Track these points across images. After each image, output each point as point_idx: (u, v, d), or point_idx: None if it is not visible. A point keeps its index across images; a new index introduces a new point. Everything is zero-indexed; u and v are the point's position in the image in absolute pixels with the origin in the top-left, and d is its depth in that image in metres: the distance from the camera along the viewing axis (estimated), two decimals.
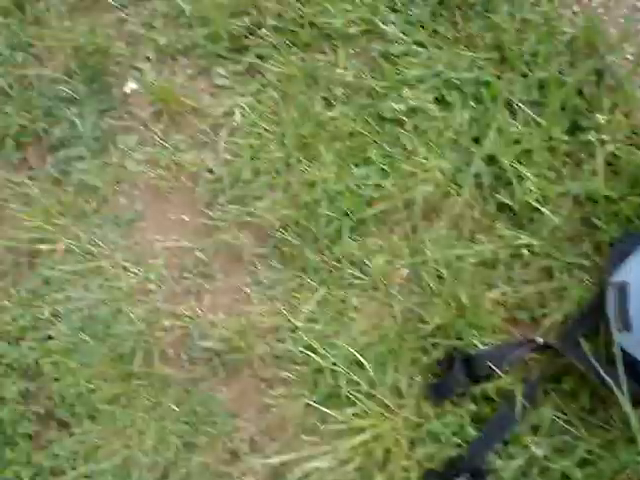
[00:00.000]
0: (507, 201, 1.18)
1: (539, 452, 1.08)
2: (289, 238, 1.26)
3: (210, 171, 1.35)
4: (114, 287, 1.36)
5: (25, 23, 1.52)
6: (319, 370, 1.20)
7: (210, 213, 1.34)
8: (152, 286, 1.35)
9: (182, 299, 1.33)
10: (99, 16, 1.49)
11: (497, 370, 1.10)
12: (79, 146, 1.45)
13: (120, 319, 1.34)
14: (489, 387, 1.12)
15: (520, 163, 1.17)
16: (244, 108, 1.34)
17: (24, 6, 1.53)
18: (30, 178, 1.45)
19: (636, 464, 1.04)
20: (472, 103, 1.21)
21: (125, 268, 1.37)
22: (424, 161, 1.21)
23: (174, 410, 1.28)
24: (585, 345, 1.08)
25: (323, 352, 1.19)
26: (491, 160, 1.19)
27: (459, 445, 1.13)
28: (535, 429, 1.11)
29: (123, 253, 1.38)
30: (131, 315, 1.33)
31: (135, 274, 1.36)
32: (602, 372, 0.91)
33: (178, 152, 1.39)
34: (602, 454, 1.07)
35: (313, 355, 1.20)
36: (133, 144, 1.41)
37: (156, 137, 1.40)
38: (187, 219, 1.38)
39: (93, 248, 1.38)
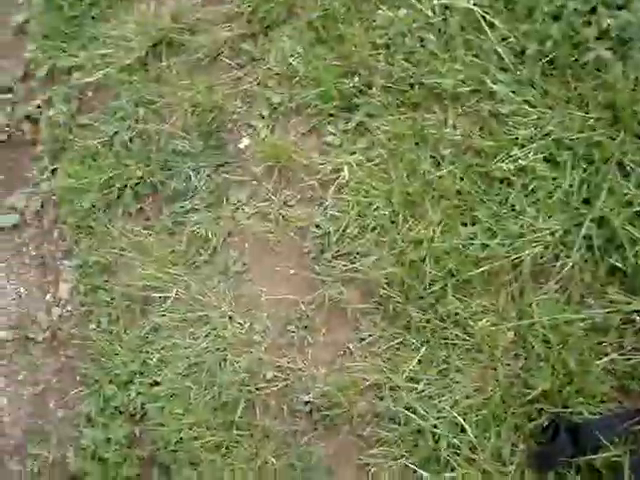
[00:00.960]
0: (619, 264, 1.16)
1: None
2: (393, 295, 1.28)
3: (317, 226, 1.40)
4: (220, 336, 1.42)
5: (147, 80, 1.63)
6: (419, 431, 1.22)
7: (316, 267, 1.39)
8: (256, 337, 1.40)
9: (285, 351, 1.37)
10: (217, 75, 1.58)
11: (604, 440, 1.06)
12: (194, 198, 1.52)
13: (224, 368, 1.40)
14: (596, 458, 1.09)
15: (633, 225, 1.15)
16: (352, 165, 1.38)
17: (147, 64, 1.64)
18: (146, 228, 1.54)
19: None
20: (583, 164, 1.20)
21: (231, 318, 1.43)
22: (533, 222, 1.20)
23: (273, 463, 1.31)
24: None
25: (424, 413, 1.20)
26: (602, 222, 1.18)
27: None
28: None
29: (230, 303, 1.44)
30: (235, 365, 1.39)
31: (240, 325, 1.42)
32: None
33: (287, 207, 1.44)
34: None
35: (413, 415, 1.20)
36: (245, 198, 1.47)
37: (267, 192, 1.46)
38: (293, 272, 1.42)
39: (202, 297, 1.44)
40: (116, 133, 1.63)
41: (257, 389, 1.36)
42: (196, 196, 1.54)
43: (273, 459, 1.32)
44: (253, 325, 1.41)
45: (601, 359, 1.15)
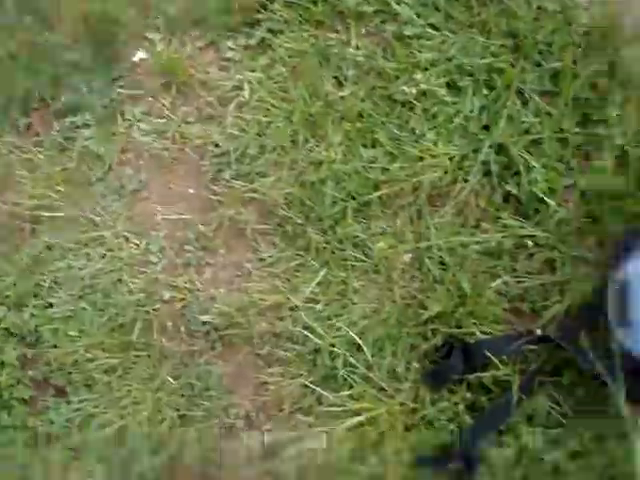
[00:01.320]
0: (514, 191, 1.19)
1: (532, 442, 1.09)
2: (293, 217, 1.27)
3: (216, 145, 1.37)
4: (115, 257, 1.38)
5: None
6: (317, 351, 1.23)
7: (214, 187, 1.35)
8: (153, 257, 1.37)
9: (182, 272, 1.35)
10: None
11: (495, 359, 1.11)
12: (85, 113, 1.44)
13: (120, 289, 1.36)
14: (486, 376, 1.14)
15: (529, 153, 1.18)
16: (253, 83, 1.34)
17: None
18: (35, 144, 1.45)
19: (627, 461, 1.06)
20: (484, 90, 1.21)
21: (127, 238, 1.39)
22: (432, 146, 1.22)
23: (171, 382, 1.30)
24: (584, 339, 1.09)
25: (322, 333, 1.21)
26: (500, 149, 1.21)
27: (453, 432, 1.14)
28: (529, 420, 1.13)
29: (125, 223, 1.40)
30: (131, 285, 1.35)
31: (136, 245, 1.38)
32: (599, 368, 0.92)
33: (184, 124, 1.39)
34: (594, 448, 1.09)
35: (312, 335, 1.21)
36: (140, 114, 1.41)
37: (164, 108, 1.40)
38: (191, 192, 1.39)
39: (95, 217, 1.39)
40: (1, 43, 1.51)
41: (154, 310, 1.33)
42: (88, 111, 1.46)
43: (171, 379, 1.30)
44: (149, 245, 1.37)
45: (494, 282, 1.18)
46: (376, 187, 1.24)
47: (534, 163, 1.17)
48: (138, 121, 1.42)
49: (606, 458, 1.08)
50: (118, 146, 1.43)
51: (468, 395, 1.15)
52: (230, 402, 1.28)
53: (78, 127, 1.46)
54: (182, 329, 1.33)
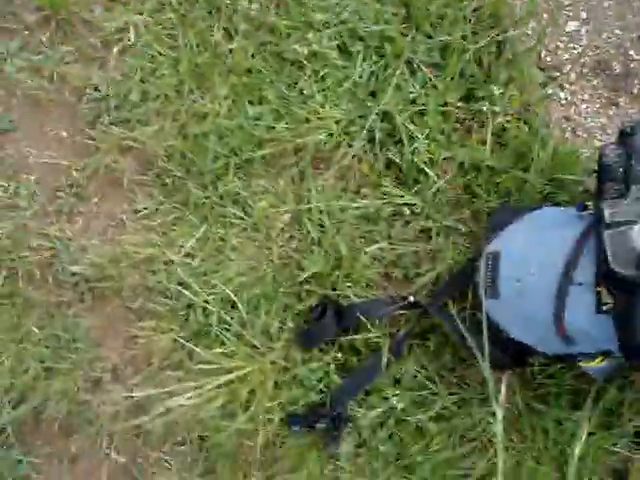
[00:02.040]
0: (396, 159, 1.19)
1: (398, 404, 1.13)
2: (173, 169, 1.24)
3: (96, 88, 1.30)
4: None
5: None
6: (190, 306, 1.21)
7: (91, 132, 1.29)
8: (22, 202, 1.30)
9: (53, 219, 1.29)
10: None
11: (367, 322, 1.12)
12: None
13: None
14: (357, 338, 1.16)
15: (413, 123, 1.19)
16: (139, 27, 1.28)
17: None
18: None
19: (487, 423, 1.11)
20: (374, 57, 1.21)
21: None
22: (319, 108, 1.20)
23: (35, 333, 1.25)
24: (453, 307, 1.12)
25: (197, 289, 1.19)
26: (385, 116, 1.20)
27: (323, 391, 1.16)
28: (396, 382, 1.16)
29: None
30: None
31: (4, 187, 1.30)
32: (466, 334, 0.95)
33: (63, 64, 1.31)
34: (457, 411, 1.14)
35: (186, 291, 1.19)
36: (15, 49, 1.32)
37: (41, 45, 1.31)
38: (66, 136, 1.32)
39: None
40: None
41: (20, 257, 1.27)
42: None
43: (36, 330, 1.25)
44: (19, 189, 1.30)
45: (370, 247, 1.19)
46: (260, 145, 1.22)
47: (417, 133, 1.18)
48: (12, 56, 1.32)
49: (468, 421, 1.13)
50: None
51: (339, 356, 1.16)
52: (97, 355, 1.25)
53: None
54: (50, 279, 1.27)
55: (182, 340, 1.19)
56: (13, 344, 1.25)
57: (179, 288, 1.20)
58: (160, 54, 1.27)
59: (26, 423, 1.26)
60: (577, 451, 0.96)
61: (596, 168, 0.92)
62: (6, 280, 1.27)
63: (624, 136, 0.91)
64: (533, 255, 0.99)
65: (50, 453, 1.27)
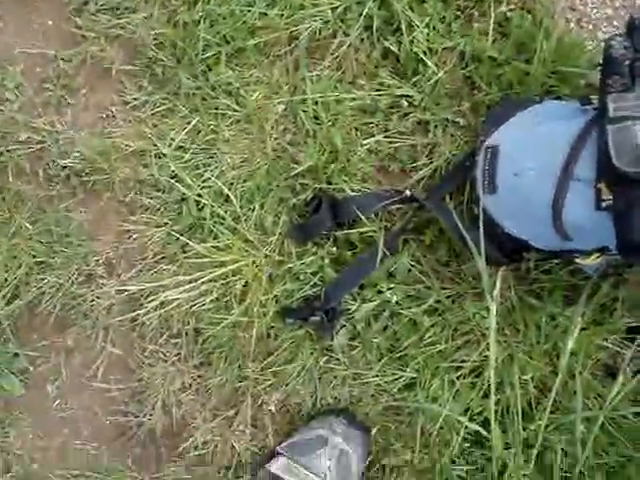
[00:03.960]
0: (394, 48, 1.15)
1: (392, 298, 1.12)
2: (163, 58, 1.19)
3: None
4: None
5: None
6: (183, 200, 1.19)
7: (78, 21, 1.24)
8: (9, 95, 1.26)
9: (41, 112, 1.26)
10: None
11: (362, 216, 1.11)
12: None
13: None
14: (352, 232, 1.14)
15: (412, 10, 1.14)
16: None
17: None
18: None
19: (481, 317, 1.11)
20: None
21: None
22: None
23: (28, 228, 1.24)
24: (449, 202, 1.10)
25: (189, 182, 1.17)
26: (383, 3, 1.15)
27: (317, 285, 1.16)
28: (391, 276, 1.15)
29: None
30: None
31: None
32: (462, 229, 0.94)
33: None
34: (450, 306, 1.13)
35: (178, 184, 1.17)
36: None
37: None
38: (52, 25, 1.27)
39: None
40: None
41: (9, 151, 1.24)
42: None
43: (28, 224, 1.23)
44: (5, 81, 1.26)
45: (366, 140, 1.16)
46: (253, 33, 1.17)
47: (416, 21, 1.13)
48: None
49: (461, 315, 1.13)
50: None
51: (334, 250, 1.15)
52: (91, 249, 1.24)
53: None
54: (40, 173, 1.25)
55: (176, 234, 1.18)
56: (5, 239, 1.24)
57: (171, 181, 1.18)
58: None
59: (21, 317, 1.27)
60: (569, 345, 0.95)
61: (601, 61, 0.88)
62: None
63: (632, 28, 0.87)
64: (533, 149, 0.97)
65: (46, 346, 1.28)
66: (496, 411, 1.05)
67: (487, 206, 1.01)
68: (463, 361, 1.13)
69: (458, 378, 1.13)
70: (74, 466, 1.27)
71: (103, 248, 1.24)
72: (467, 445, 1.11)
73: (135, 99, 1.22)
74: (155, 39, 1.20)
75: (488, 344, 1.10)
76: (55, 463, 1.28)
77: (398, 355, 1.15)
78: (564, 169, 0.90)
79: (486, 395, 1.10)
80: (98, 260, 1.23)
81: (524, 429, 1.06)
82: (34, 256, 1.24)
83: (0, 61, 1.27)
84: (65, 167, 1.23)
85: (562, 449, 1.06)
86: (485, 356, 1.12)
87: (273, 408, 1.18)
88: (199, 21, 1.17)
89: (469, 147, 1.14)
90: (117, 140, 1.21)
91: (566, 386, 1.08)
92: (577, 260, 0.98)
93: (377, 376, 1.15)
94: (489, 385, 0.97)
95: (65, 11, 1.26)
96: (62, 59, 1.25)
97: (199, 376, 1.21)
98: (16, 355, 1.27)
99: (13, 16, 1.28)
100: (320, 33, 1.17)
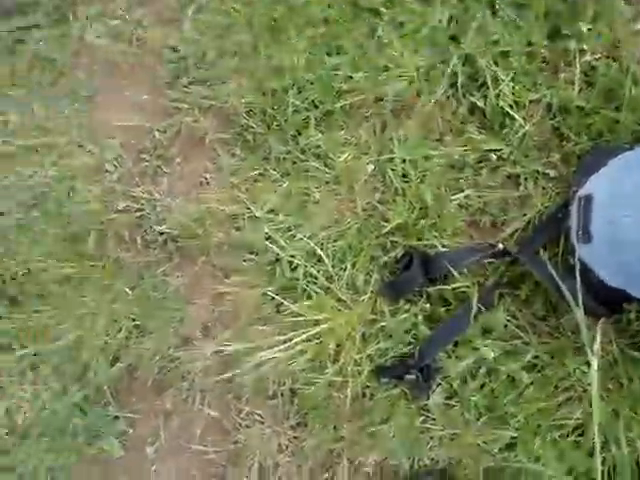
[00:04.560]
0: (480, 104, 1.16)
1: (488, 354, 1.10)
2: (254, 125, 1.23)
3: (174, 49, 1.31)
4: (69, 165, 1.32)
5: None
6: (277, 261, 1.21)
7: (171, 93, 1.30)
8: (108, 166, 1.33)
9: (139, 181, 1.31)
10: None
11: (454, 272, 1.10)
12: (36, 14, 1.36)
13: (74, 198, 1.32)
14: (445, 289, 1.13)
15: (497, 65, 1.15)
16: None
17: None
18: None
19: (582, 373, 1.07)
20: (453, 0, 1.16)
21: (81, 146, 1.34)
22: (399, 56, 1.18)
23: (127, 293, 1.28)
24: (543, 254, 1.09)
25: (282, 243, 1.19)
26: (467, 60, 1.17)
27: (411, 343, 1.15)
28: (486, 332, 1.13)
29: (79, 130, 1.35)
30: (86, 194, 1.30)
31: (91, 153, 1.33)
32: (558, 280, 0.92)
33: (141, 27, 1.32)
34: (549, 361, 1.10)
35: (272, 246, 1.19)
36: (94, 15, 1.34)
37: (119, 9, 1.33)
38: (147, 98, 1.34)
39: (47, 123, 1.33)
40: None
41: (109, 220, 1.30)
42: (38, 11, 1.38)
43: (127, 290, 1.28)
44: (104, 153, 1.33)
45: (456, 195, 1.16)
46: (339, 96, 1.21)
47: (501, 76, 1.14)
48: (92, 22, 1.34)
49: (561, 371, 1.09)
50: (71, 49, 1.36)
51: (427, 307, 1.14)
52: (187, 313, 1.26)
53: (28, 28, 1.37)
54: (138, 240, 1.30)
55: (270, 293, 1.19)
56: (106, 304, 1.28)
57: (266, 243, 1.20)
58: (234, 10, 1.27)
59: (121, 381, 1.30)
60: None
61: None
62: (96, 243, 1.30)
63: None
64: (627, 196, 0.95)
65: (145, 409, 1.30)
66: (602, 471, 1.00)
67: (583, 256, 0.99)
68: (565, 419, 1.09)
69: (561, 437, 1.09)
70: None
71: (199, 311, 1.27)
72: None
73: (228, 165, 1.26)
74: (246, 107, 1.24)
75: (591, 400, 1.06)
76: None
77: (497, 414, 1.12)
78: None
79: (591, 454, 1.06)
80: (194, 323, 1.26)
81: None
82: (133, 319, 1.27)
83: (99, 135, 1.34)
84: (162, 233, 1.28)
85: None
86: (588, 413, 1.08)
87: (370, 470, 1.16)
88: (287, 88, 1.21)
89: (561, 198, 1.13)
90: (211, 205, 1.25)
91: None
92: None
93: (476, 436, 1.12)
94: (594, 444, 0.94)
95: (159, 84, 1.32)
96: (157, 130, 1.31)
97: (295, 437, 1.20)
98: (116, 418, 1.29)
99: (110, 91, 1.36)
100: (405, 92, 1.19)
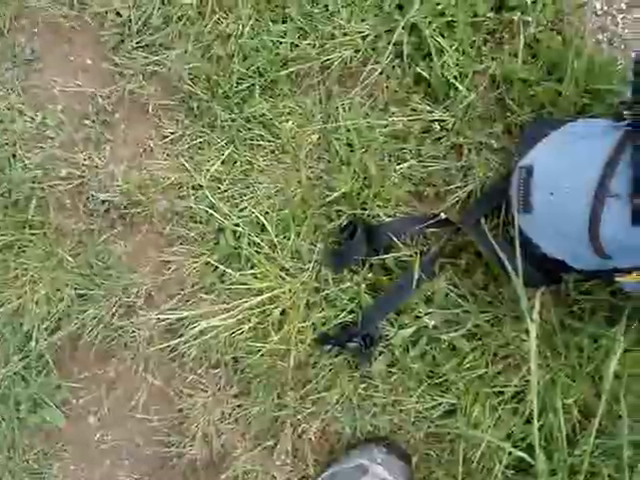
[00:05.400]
0: (425, 74, 1.15)
1: (430, 322, 1.12)
2: (198, 92, 1.21)
3: (117, 13, 1.28)
4: (9, 130, 1.30)
5: None
6: (220, 230, 1.20)
7: (115, 59, 1.27)
8: (50, 132, 1.30)
9: (81, 148, 1.29)
10: None
11: (397, 241, 1.11)
12: None
13: (15, 165, 1.29)
14: (388, 258, 1.14)
15: (442, 36, 1.14)
16: None
17: None
18: None
19: (521, 341, 1.09)
20: None
21: (21, 112, 1.31)
22: (345, 24, 1.16)
23: (69, 261, 1.26)
24: (485, 224, 1.10)
25: (226, 212, 1.18)
26: (413, 30, 1.16)
27: (354, 311, 1.15)
28: (428, 301, 1.15)
29: (19, 95, 1.32)
30: (26, 161, 1.28)
31: (32, 118, 1.31)
32: (499, 250, 0.93)
33: None
34: (489, 330, 1.12)
35: (216, 214, 1.18)
36: None
37: None
38: (90, 63, 1.31)
39: None
40: None
41: (50, 187, 1.28)
42: None
43: (70, 258, 1.26)
44: (45, 119, 1.30)
45: (400, 165, 1.17)
46: (285, 64, 1.19)
47: (446, 46, 1.14)
48: None
49: (501, 339, 1.11)
50: (10, 11, 1.32)
51: (370, 276, 1.15)
52: (130, 281, 1.25)
53: None
54: (81, 207, 1.29)
55: (214, 262, 1.19)
56: (47, 272, 1.27)
57: (209, 211, 1.19)
58: None
59: (63, 349, 1.29)
60: (612, 367, 0.94)
61: (632, 77, 0.88)
62: (37, 210, 1.29)
63: None
64: (567, 167, 0.96)
65: (88, 378, 1.29)
66: (540, 437, 1.02)
67: (523, 226, 1.00)
68: (504, 386, 1.12)
69: (500, 403, 1.11)
70: None
71: (142, 280, 1.26)
72: (511, 472, 1.09)
73: (172, 133, 1.25)
74: (190, 74, 1.22)
75: (529, 368, 1.08)
76: None
77: (438, 381, 1.14)
78: (599, 186, 0.89)
79: (529, 420, 1.09)
80: (138, 291, 1.25)
81: (569, 455, 1.04)
82: (76, 289, 1.26)
83: (41, 100, 1.31)
84: (105, 201, 1.26)
85: (609, 475, 1.03)
86: (526, 380, 1.10)
87: (313, 437, 1.18)
88: (233, 55, 1.20)
89: (503, 169, 1.14)
90: (155, 173, 1.23)
91: (611, 410, 1.05)
92: (617, 279, 0.96)
93: (417, 403, 1.14)
94: (531, 410, 0.96)
95: (102, 49, 1.30)
96: (101, 96, 1.29)
97: (238, 406, 1.21)
98: (58, 387, 1.29)
99: (52, 56, 1.33)
100: (351, 62, 1.18)
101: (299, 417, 1.18)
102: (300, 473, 1.20)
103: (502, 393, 1.11)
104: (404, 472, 1.12)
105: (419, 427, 1.15)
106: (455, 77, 1.15)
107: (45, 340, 1.26)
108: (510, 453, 1.05)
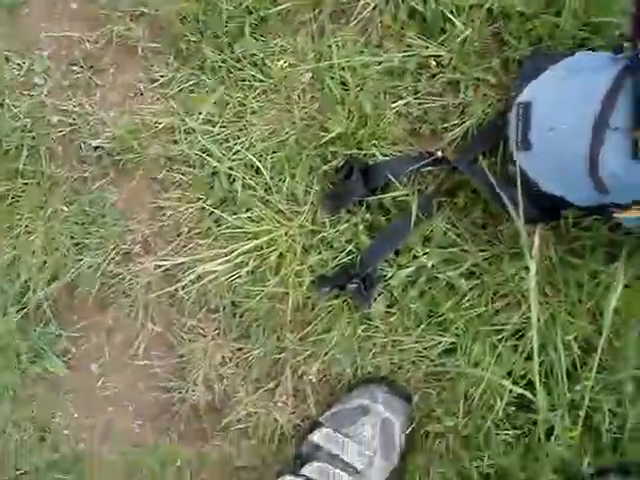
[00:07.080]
0: (419, 8, 1.12)
1: (428, 262, 1.11)
2: (187, 33, 1.19)
3: None
4: None
5: None
6: (215, 174, 1.19)
7: (102, 1, 1.25)
8: (37, 79, 1.27)
9: (71, 94, 1.27)
10: None
11: (394, 180, 1.09)
12: None
13: (2, 114, 1.28)
14: (385, 198, 1.13)
15: None
16: None
17: None
18: None
19: (520, 278, 1.08)
20: None
21: (7, 59, 1.30)
22: None
23: (63, 210, 1.25)
24: (482, 162, 1.08)
25: (219, 155, 1.16)
26: None
27: (352, 253, 1.14)
28: (426, 241, 1.14)
29: (4, 42, 1.30)
30: (14, 110, 1.27)
31: (19, 65, 1.28)
32: (497, 188, 0.91)
33: None
34: (488, 268, 1.11)
35: (209, 158, 1.17)
36: None
37: None
38: (76, 7, 1.28)
39: None
40: None
41: (41, 135, 1.26)
42: None
43: (63, 206, 1.25)
44: (33, 66, 1.27)
45: (395, 103, 1.14)
46: (275, 1, 1.16)
47: None
48: None
49: (499, 277, 1.10)
50: None
51: (367, 216, 1.14)
52: (126, 228, 1.24)
53: None
54: (73, 155, 1.27)
55: (209, 207, 1.17)
56: (42, 223, 1.26)
57: (202, 156, 1.17)
58: None
59: (61, 299, 1.29)
60: (612, 303, 0.93)
61: (632, 8, 0.85)
62: (29, 159, 1.27)
63: None
64: (566, 102, 0.95)
65: (87, 327, 1.29)
66: (540, 373, 1.02)
67: (521, 163, 0.99)
68: (504, 324, 1.11)
69: (500, 341, 1.11)
70: (120, 444, 1.28)
71: (138, 226, 1.25)
72: (512, 409, 1.09)
73: (162, 76, 1.23)
74: (178, 14, 1.19)
75: (529, 305, 1.08)
76: (101, 442, 1.29)
77: (437, 320, 1.14)
78: (599, 119, 0.88)
79: (529, 357, 1.08)
80: (134, 238, 1.25)
81: (570, 390, 1.04)
82: (71, 237, 1.25)
83: (27, 47, 1.28)
84: (97, 148, 1.25)
85: (610, 410, 1.04)
86: (526, 318, 1.10)
87: (313, 378, 1.18)
88: None
89: (501, 105, 1.12)
90: (146, 117, 1.21)
91: (611, 345, 1.05)
92: (616, 214, 0.95)
93: (416, 342, 1.14)
94: (532, 347, 0.96)
95: None
96: (88, 40, 1.26)
97: (239, 349, 1.21)
98: (58, 336, 1.28)
99: (36, 1, 1.28)
100: None
101: (299, 359, 1.18)
102: (302, 414, 1.20)
103: (502, 331, 1.11)
104: (405, 411, 1.12)
105: (419, 366, 1.14)
106: (451, 11, 1.12)
107: (43, 290, 1.25)
108: (511, 390, 1.05)
